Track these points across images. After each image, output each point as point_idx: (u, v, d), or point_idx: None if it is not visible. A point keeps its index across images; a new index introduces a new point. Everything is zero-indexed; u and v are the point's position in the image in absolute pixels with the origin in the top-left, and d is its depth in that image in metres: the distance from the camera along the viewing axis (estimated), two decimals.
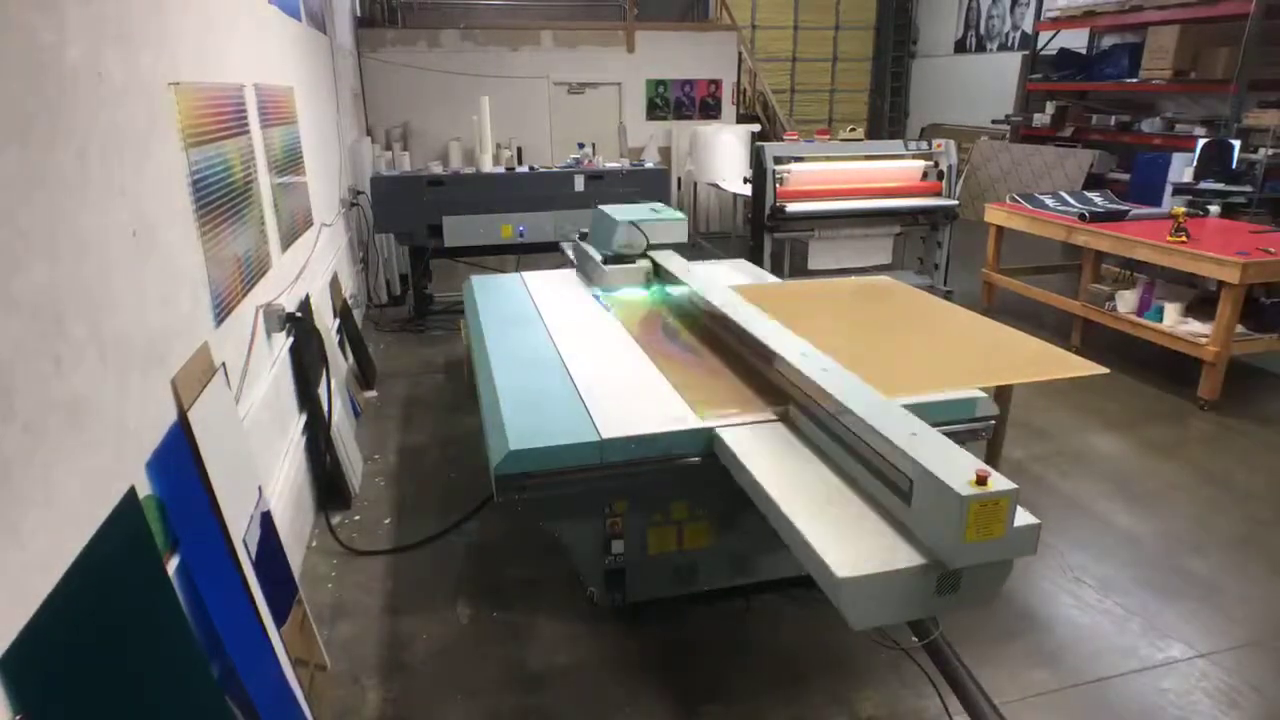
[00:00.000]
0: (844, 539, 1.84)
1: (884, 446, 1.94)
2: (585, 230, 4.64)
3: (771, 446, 2.35)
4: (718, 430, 2.43)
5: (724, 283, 3.99)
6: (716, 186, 8.84)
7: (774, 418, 2.53)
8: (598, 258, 4.15)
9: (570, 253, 4.87)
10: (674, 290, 3.83)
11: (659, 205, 4.52)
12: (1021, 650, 2.76)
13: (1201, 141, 6.83)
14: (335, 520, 3.52)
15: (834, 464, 2.21)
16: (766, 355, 2.67)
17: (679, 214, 4.27)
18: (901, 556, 1.77)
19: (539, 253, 6.51)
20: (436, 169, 6.54)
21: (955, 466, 1.72)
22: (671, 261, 3.93)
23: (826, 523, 1.92)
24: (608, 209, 4.37)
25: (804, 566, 1.88)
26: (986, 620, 2.87)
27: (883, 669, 2.63)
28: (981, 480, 1.64)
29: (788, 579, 2.93)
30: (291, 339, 3.38)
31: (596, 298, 3.95)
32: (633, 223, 4.08)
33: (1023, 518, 1.72)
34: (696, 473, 2.48)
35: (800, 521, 1.92)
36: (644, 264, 4.09)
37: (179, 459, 1.93)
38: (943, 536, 1.71)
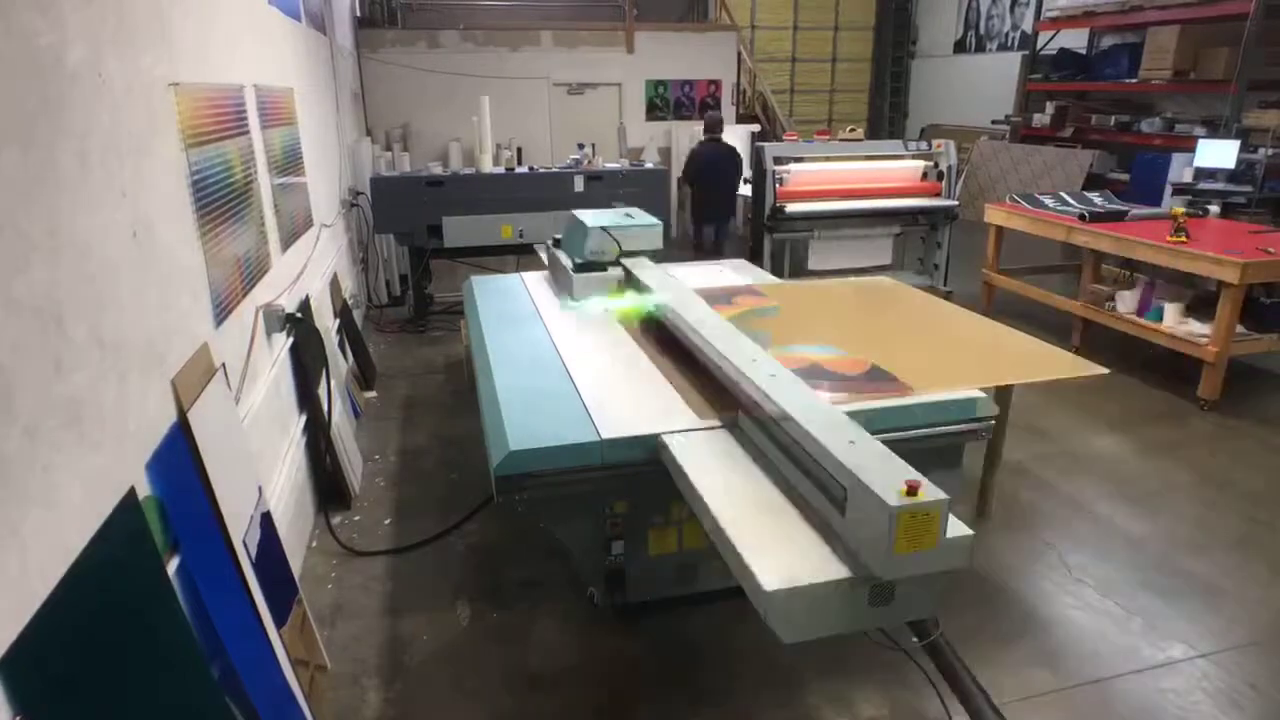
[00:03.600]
0: (776, 550, 1.79)
1: (822, 455, 1.88)
2: (559, 236, 4.43)
3: (715, 454, 2.29)
4: (663, 436, 2.38)
5: (717, 284, 3.99)
6: None
7: (720, 424, 2.48)
8: (568, 265, 3.92)
9: (544, 256, 4.79)
10: (644, 299, 3.56)
11: (635, 211, 4.30)
12: (1022, 650, 2.76)
13: (1202, 141, 6.84)
14: (335, 521, 3.52)
15: (776, 473, 2.16)
16: (716, 360, 2.62)
17: (654, 220, 4.05)
18: (831, 568, 1.72)
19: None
20: (436, 169, 6.54)
21: (888, 476, 1.67)
22: (643, 270, 3.69)
23: (760, 533, 1.86)
24: (581, 214, 4.17)
25: (736, 578, 1.82)
26: (987, 621, 2.87)
27: (883, 669, 2.63)
28: (912, 490, 1.58)
29: None
30: (291, 339, 3.38)
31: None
32: (604, 228, 3.86)
33: (955, 529, 1.66)
34: None
35: (732, 530, 1.86)
36: (615, 272, 3.84)
37: (179, 459, 1.93)
38: (873, 548, 1.65)
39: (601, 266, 3.84)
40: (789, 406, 2.10)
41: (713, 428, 2.48)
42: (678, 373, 2.91)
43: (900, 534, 1.57)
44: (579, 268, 3.85)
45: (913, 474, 1.66)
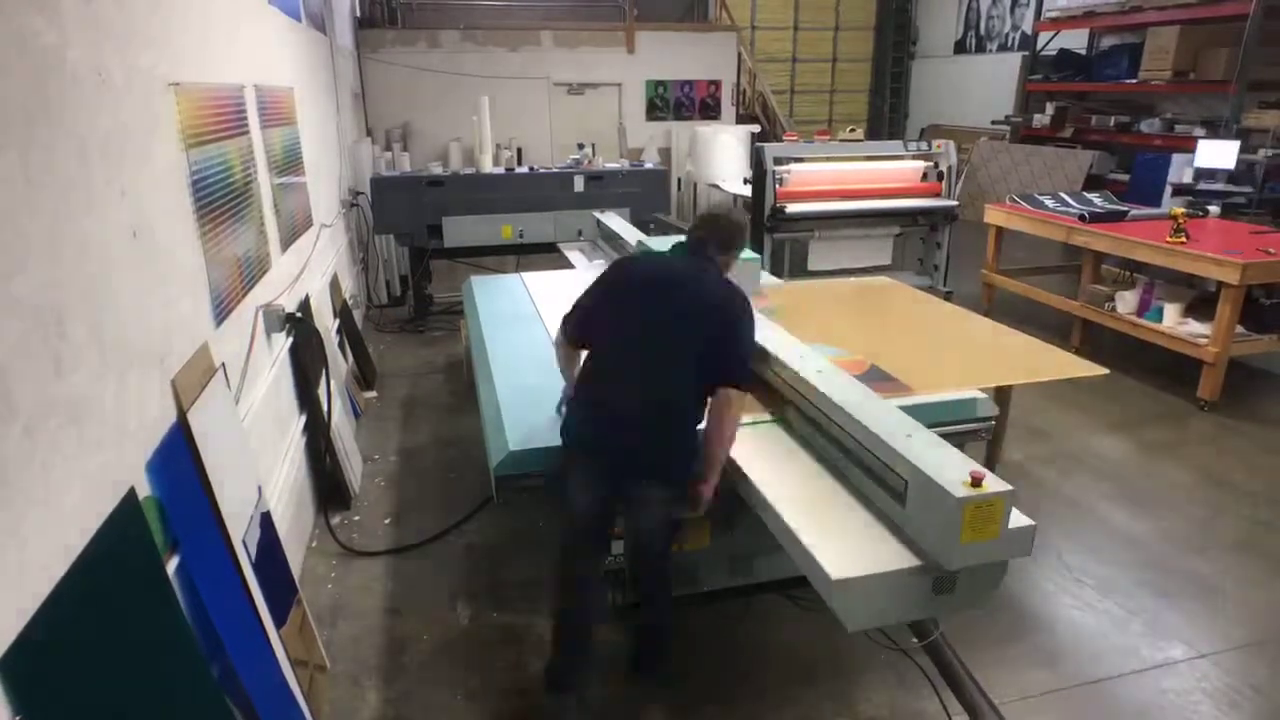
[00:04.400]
0: (838, 540, 1.84)
1: (880, 448, 1.93)
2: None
3: (767, 448, 2.34)
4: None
5: None
6: (716, 187, 8.84)
7: (770, 418, 2.52)
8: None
9: (572, 254, 4.75)
10: None
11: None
12: (1022, 651, 2.76)
13: (1202, 142, 6.84)
14: (335, 521, 3.51)
15: (830, 466, 2.21)
16: (762, 356, 2.67)
17: (752, 254, 3.47)
18: (896, 558, 1.77)
19: (539, 253, 6.51)
20: (436, 169, 6.54)
21: (950, 468, 1.73)
22: None
23: (821, 524, 1.91)
24: (648, 241, 3.84)
25: (799, 568, 1.88)
26: (987, 621, 2.86)
27: (883, 669, 2.63)
28: (976, 482, 1.65)
29: (788, 580, 2.93)
30: (291, 339, 3.37)
31: None
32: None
33: (1017, 519, 1.72)
34: None
35: (794, 523, 1.92)
36: None
37: (179, 459, 1.93)
38: (938, 538, 1.71)
39: None
40: (843, 401, 2.14)
41: (759, 422, 2.52)
42: None
43: (966, 524, 1.63)
44: None
45: (976, 466, 1.71)
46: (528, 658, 2.72)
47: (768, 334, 2.78)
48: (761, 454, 2.30)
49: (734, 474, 2.28)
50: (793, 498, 2.04)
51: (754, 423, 2.51)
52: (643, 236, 4.65)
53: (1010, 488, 1.66)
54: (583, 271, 4.92)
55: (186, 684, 1.72)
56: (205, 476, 2.01)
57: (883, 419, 2.02)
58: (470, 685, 2.60)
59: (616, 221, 5.37)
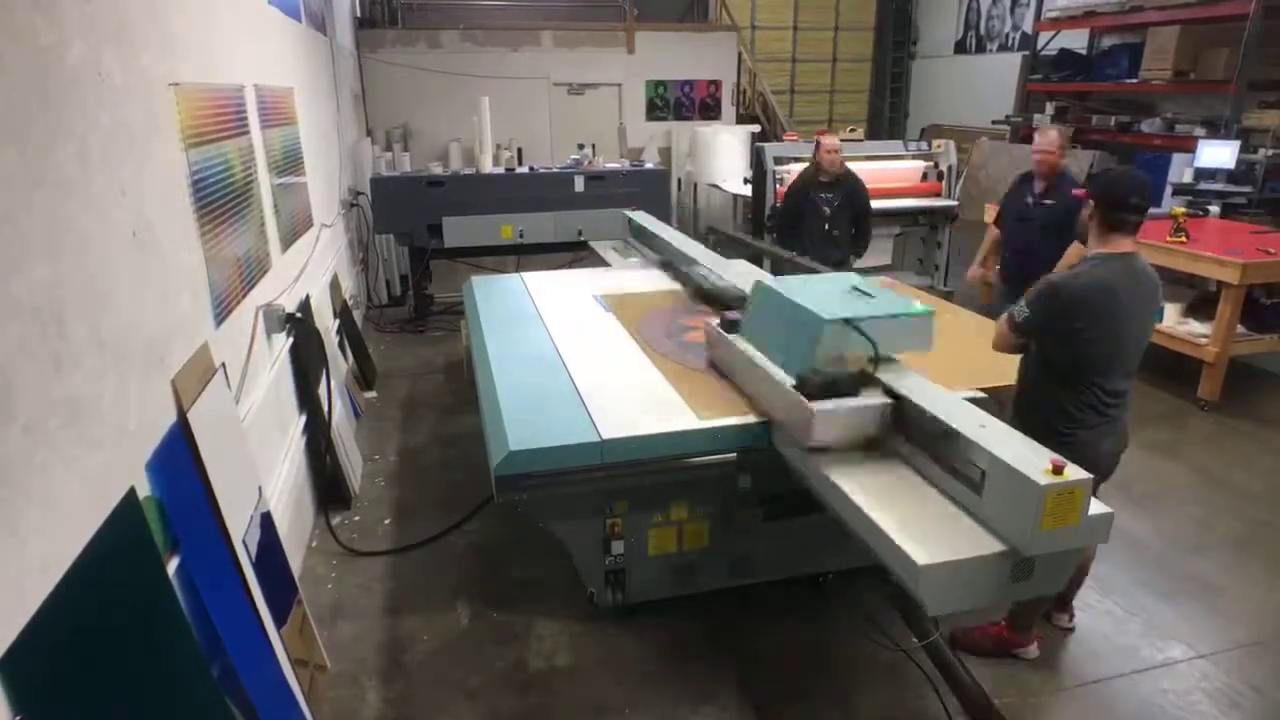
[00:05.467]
0: (919, 528, 1.88)
1: (954, 440, 1.98)
2: (734, 317, 2.86)
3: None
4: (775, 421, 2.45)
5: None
6: (716, 187, 8.84)
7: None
8: (784, 380, 2.36)
9: (607, 253, 4.64)
10: None
11: (872, 282, 2.59)
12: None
13: (1202, 142, 6.84)
14: (335, 521, 3.51)
15: (899, 457, 2.23)
16: None
17: (922, 307, 2.40)
18: (980, 544, 1.82)
19: (539, 253, 6.51)
20: (436, 170, 6.54)
21: (1029, 457, 1.79)
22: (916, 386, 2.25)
23: (899, 513, 1.95)
24: (781, 288, 2.57)
25: (878, 555, 1.92)
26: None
27: (883, 669, 2.63)
28: (1058, 470, 1.71)
29: (788, 579, 2.93)
30: (291, 339, 3.38)
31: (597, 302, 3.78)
32: (848, 321, 2.25)
33: (1096, 507, 1.77)
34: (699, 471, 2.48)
35: (874, 512, 1.95)
36: (873, 401, 2.25)
37: (179, 459, 1.93)
38: (1018, 525, 1.76)
39: (844, 385, 2.29)
40: (911, 393, 2.16)
41: None
42: (677, 371, 2.91)
43: (1047, 512, 1.69)
44: (810, 389, 2.28)
45: (1053, 455, 1.76)
46: (528, 657, 2.72)
47: None
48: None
49: (802, 466, 2.30)
50: (867, 488, 2.07)
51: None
52: (678, 236, 4.68)
53: (1090, 476, 1.72)
54: (618, 270, 4.92)
55: (186, 684, 1.72)
56: (205, 476, 2.01)
57: (955, 412, 2.05)
58: (470, 685, 2.60)
59: (648, 219, 5.35)
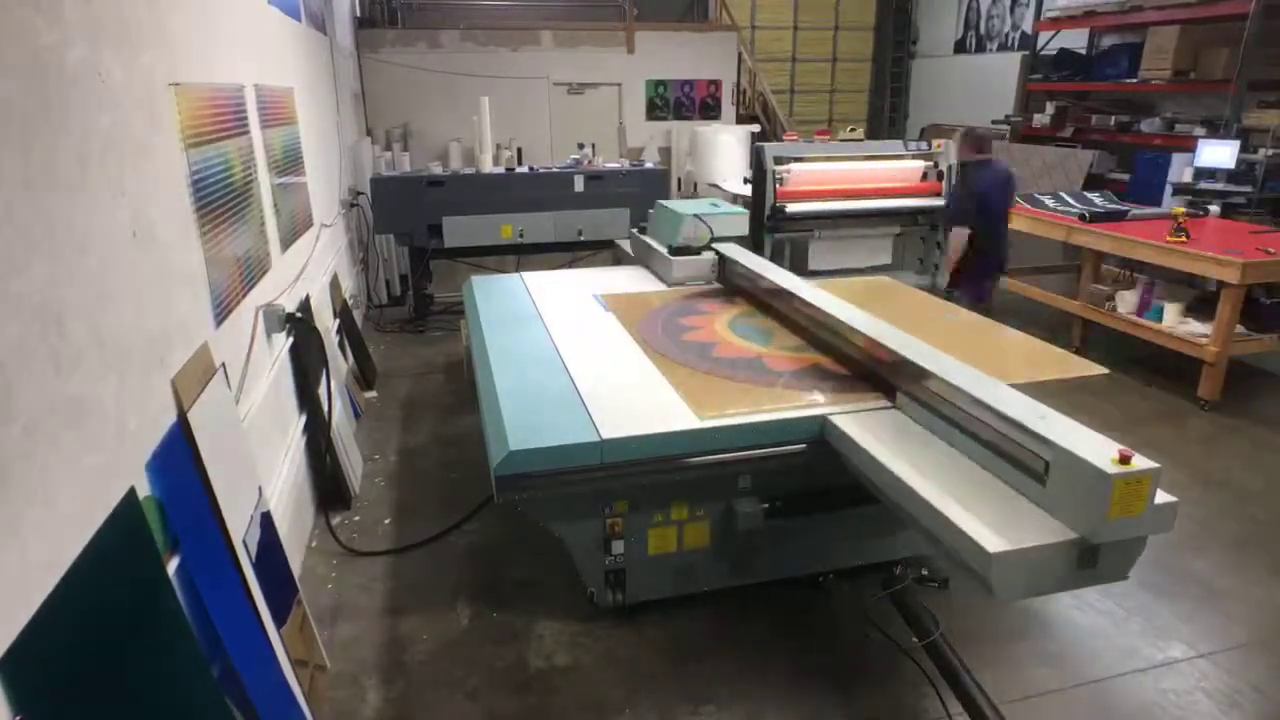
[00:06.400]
0: (985, 517, 1.90)
1: (1016, 431, 2.00)
2: (643, 224, 4.95)
3: (891, 433, 2.40)
4: (831, 417, 2.49)
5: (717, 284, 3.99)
6: (716, 187, 8.84)
7: (886, 404, 2.59)
8: (662, 250, 4.33)
9: (627, 246, 5.05)
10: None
11: (718, 200, 4.76)
12: (1022, 650, 2.76)
13: (1202, 141, 6.83)
14: (335, 521, 3.51)
15: (957, 447, 2.27)
16: (875, 344, 2.74)
17: (740, 208, 4.44)
18: (1047, 532, 1.84)
19: (539, 253, 6.51)
20: (436, 169, 6.54)
21: (1095, 447, 1.82)
22: (740, 256, 4.01)
23: (964, 502, 1.97)
24: (669, 204, 4.67)
25: (942, 542, 1.95)
26: (987, 620, 2.86)
27: (883, 669, 2.63)
28: (1125, 459, 1.74)
29: (788, 579, 2.93)
30: (291, 339, 3.37)
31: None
32: (696, 215, 4.32)
33: (1161, 496, 1.81)
34: (695, 471, 2.48)
35: (940, 502, 1.97)
36: (709, 256, 4.19)
37: (179, 459, 1.93)
38: (1085, 514, 1.79)
39: (694, 251, 4.28)
40: (968, 386, 2.22)
41: (876, 408, 2.59)
42: (677, 371, 2.91)
43: (1115, 500, 1.73)
44: (674, 251, 4.31)
45: (1118, 445, 1.81)
46: (528, 657, 2.72)
47: (869, 322, 2.89)
48: (886, 439, 2.35)
49: (857, 455, 2.34)
50: (929, 478, 2.09)
51: (873, 409, 2.57)
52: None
53: (1157, 465, 1.75)
54: (618, 270, 5.04)
55: (186, 684, 1.72)
56: (205, 476, 2.01)
57: (1014, 404, 2.09)
58: (470, 685, 2.60)
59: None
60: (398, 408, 4.85)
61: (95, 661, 1.42)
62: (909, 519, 2.12)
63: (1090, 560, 1.84)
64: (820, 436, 2.54)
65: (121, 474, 1.66)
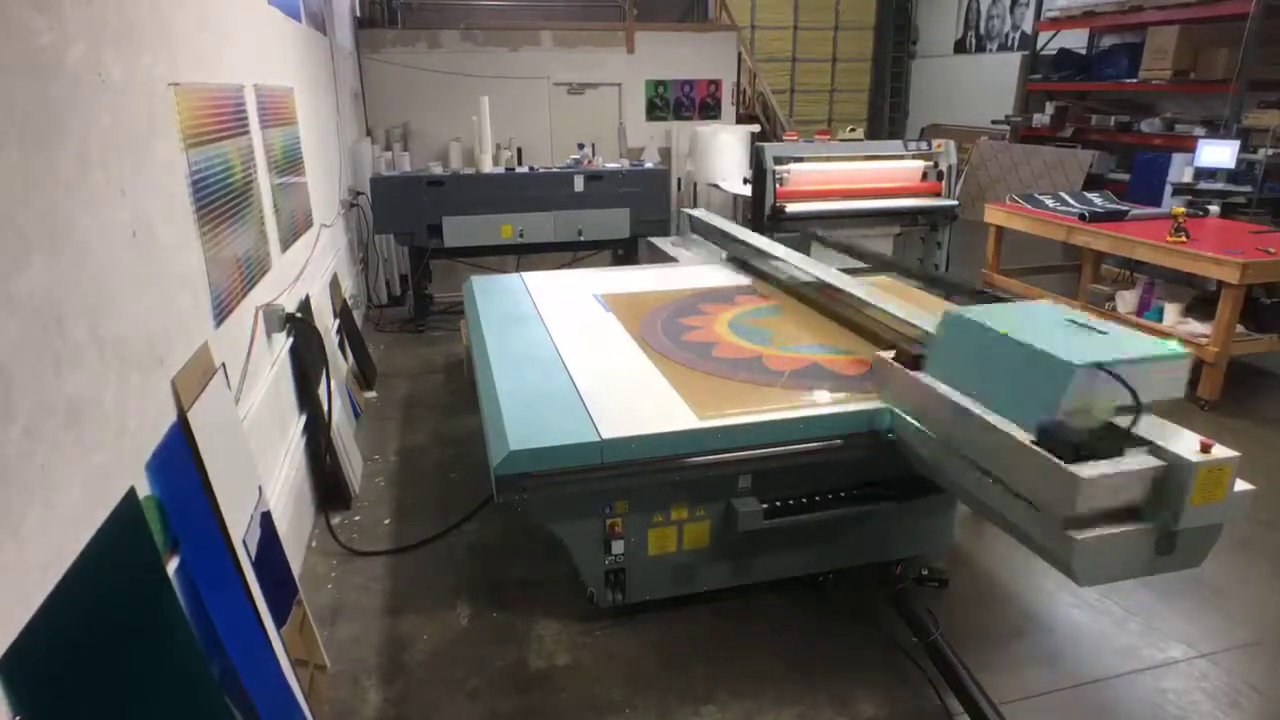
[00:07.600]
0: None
1: None
2: (919, 351, 2.54)
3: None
4: (895, 410, 2.49)
5: (718, 284, 3.97)
6: (716, 187, 8.84)
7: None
8: (1022, 437, 1.99)
9: (673, 250, 4.88)
10: None
11: (1079, 314, 2.37)
12: (1021, 650, 2.76)
13: (1202, 141, 6.84)
14: (335, 520, 3.51)
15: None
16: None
17: (1175, 347, 2.21)
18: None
19: (539, 253, 6.51)
20: (436, 169, 6.54)
21: (1174, 435, 1.87)
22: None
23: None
24: (975, 317, 2.28)
25: (1012, 527, 2.00)
26: (986, 620, 2.87)
27: (883, 669, 2.63)
28: (1206, 448, 1.78)
29: (787, 579, 2.93)
30: (291, 339, 3.38)
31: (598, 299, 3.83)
32: (1100, 365, 1.96)
33: (1239, 485, 1.85)
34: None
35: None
36: (1142, 461, 1.91)
37: (179, 459, 1.93)
38: (1168, 500, 1.81)
39: (1101, 446, 1.92)
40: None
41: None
42: (677, 371, 2.91)
43: (1197, 488, 1.77)
44: (1062, 448, 1.90)
45: (1194, 434, 1.87)
46: (528, 657, 2.72)
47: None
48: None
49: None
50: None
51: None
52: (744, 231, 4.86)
53: (1237, 454, 1.79)
54: (686, 265, 5.03)
55: (186, 684, 1.72)
56: (205, 476, 2.01)
57: None
58: (470, 685, 2.60)
59: (716, 218, 5.42)
60: (398, 408, 4.85)
61: (95, 662, 1.42)
62: (983, 503, 2.08)
63: (1169, 547, 1.88)
64: (827, 435, 2.53)
65: (121, 474, 1.66)
